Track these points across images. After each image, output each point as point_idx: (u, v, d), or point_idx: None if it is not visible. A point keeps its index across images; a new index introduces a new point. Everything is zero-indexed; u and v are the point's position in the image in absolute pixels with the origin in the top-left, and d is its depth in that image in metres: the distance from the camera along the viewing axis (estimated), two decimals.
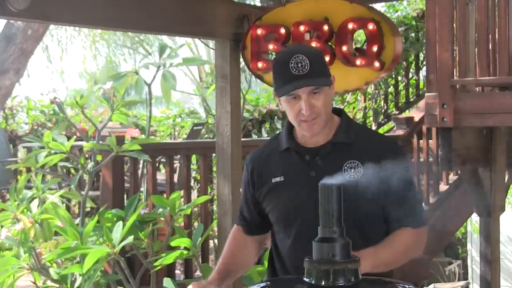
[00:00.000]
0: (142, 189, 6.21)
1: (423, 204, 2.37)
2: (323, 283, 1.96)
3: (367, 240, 2.26)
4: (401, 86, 8.78)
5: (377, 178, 2.18)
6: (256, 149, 2.58)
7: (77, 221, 4.92)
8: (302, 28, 4.28)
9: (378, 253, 2.24)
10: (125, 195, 5.62)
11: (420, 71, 8.68)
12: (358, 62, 4.16)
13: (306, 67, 2.26)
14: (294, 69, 2.26)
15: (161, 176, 6.72)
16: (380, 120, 8.54)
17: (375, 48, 4.15)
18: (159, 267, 4.17)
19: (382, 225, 2.38)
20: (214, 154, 5.39)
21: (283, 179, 2.38)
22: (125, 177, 5.71)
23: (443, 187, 6.67)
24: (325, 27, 4.24)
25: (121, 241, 3.86)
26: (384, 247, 2.28)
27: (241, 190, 2.59)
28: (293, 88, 2.27)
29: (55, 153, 4.62)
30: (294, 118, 2.34)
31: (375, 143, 2.40)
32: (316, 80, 2.29)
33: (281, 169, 2.40)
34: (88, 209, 6.87)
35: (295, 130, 2.44)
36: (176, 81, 4.90)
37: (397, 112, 8.47)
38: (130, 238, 3.88)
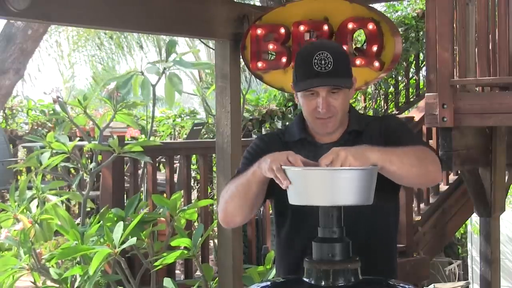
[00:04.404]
0: (142, 189, 6.21)
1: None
2: (323, 283, 1.97)
3: (380, 216, 2.31)
4: (401, 86, 8.79)
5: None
6: (272, 133, 2.54)
7: (77, 221, 4.92)
8: (302, 28, 4.28)
9: (386, 148, 2.13)
10: (125, 195, 5.62)
11: (420, 71, 8.68)
12: (357, 62, 4.16)
13: (329, 65, 2.22)
14: (317, 66, 2.22)
15: (161, 176, 6.72)
16: None
17: (374, 48, 4.14)
18: (159, 267, 4.17)
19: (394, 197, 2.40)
20: (214, 154, 5.39)
21: None
22: (125, 177, 5.70)
23: (443, 187, 6.67)
24: (325, 27, 4.24)
25: (122, 241, 3.86)
26: (393, 148, 2.16)
27: (245, 156, 2.42)
28: (313, 85, 2.24)
29: (57, 153, 4.62)
30: (309, 114, 2.30)
31: (380, 124, 2.40)
32: (337, 80, 2.25)
33: None
34: (88, 209, 6.87)
35: (306, 123, 2.39)
36: (182, 85, 4.89)
37: (397, 112, 8.47)
38: (133, 240, 3.87)
